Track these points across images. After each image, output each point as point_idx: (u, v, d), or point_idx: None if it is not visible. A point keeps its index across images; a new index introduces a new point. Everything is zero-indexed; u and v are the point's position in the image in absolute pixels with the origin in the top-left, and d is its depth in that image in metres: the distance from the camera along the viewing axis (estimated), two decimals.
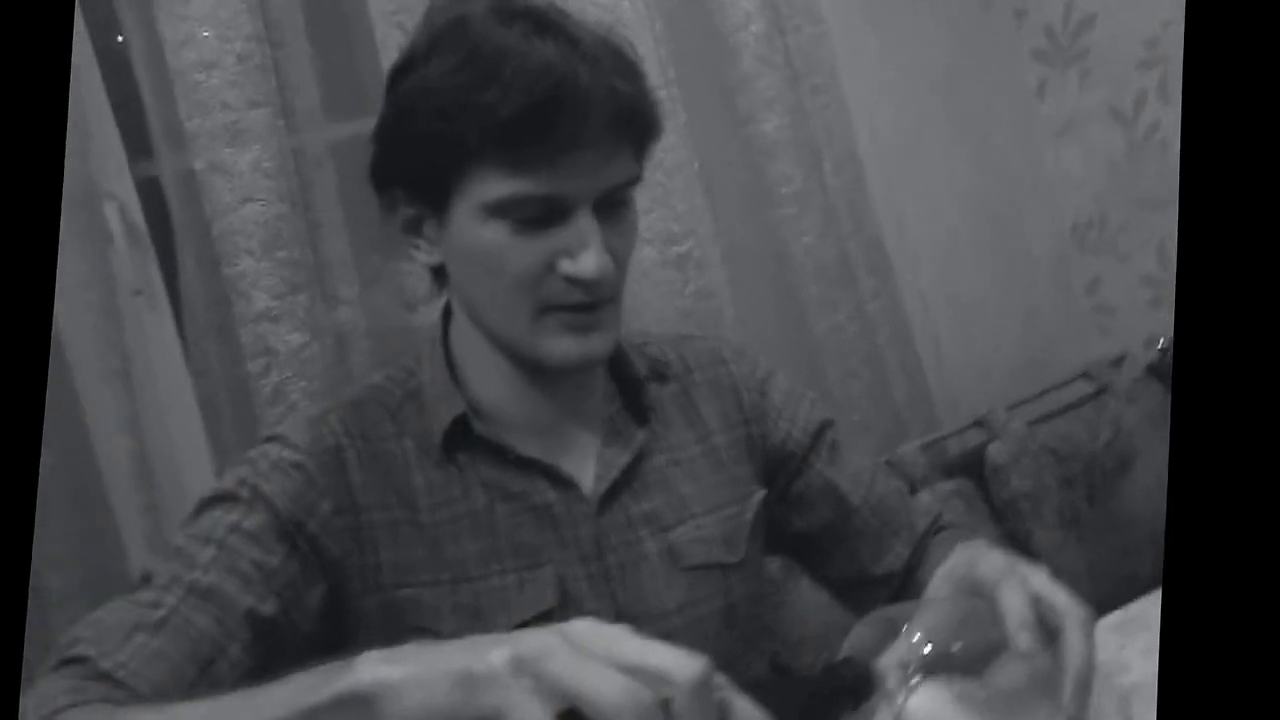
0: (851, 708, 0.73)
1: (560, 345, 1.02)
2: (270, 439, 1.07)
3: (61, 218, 1.29)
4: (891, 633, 0.84)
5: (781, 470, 1.22)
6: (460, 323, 1.09)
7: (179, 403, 1.50)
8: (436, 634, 1.01)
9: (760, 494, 1.19)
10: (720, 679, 0.60)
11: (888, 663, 0.81)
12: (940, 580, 1.04)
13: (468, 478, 1.06)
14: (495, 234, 0.98)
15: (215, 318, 1.53)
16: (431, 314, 1.14)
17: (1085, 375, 2.43)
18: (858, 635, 0.87)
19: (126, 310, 1.48)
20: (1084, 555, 2.16)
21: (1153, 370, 2.45)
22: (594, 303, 1.01)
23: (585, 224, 0.98)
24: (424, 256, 1.07)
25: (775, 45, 2.07)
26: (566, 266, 0.98)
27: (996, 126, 2.62)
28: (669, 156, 1.88)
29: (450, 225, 1.01)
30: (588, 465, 1.11)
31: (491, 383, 1.08)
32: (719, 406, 1.20)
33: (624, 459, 1.11)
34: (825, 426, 1.24)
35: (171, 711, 0.75)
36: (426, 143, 0.98)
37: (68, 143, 1.37)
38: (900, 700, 0.79)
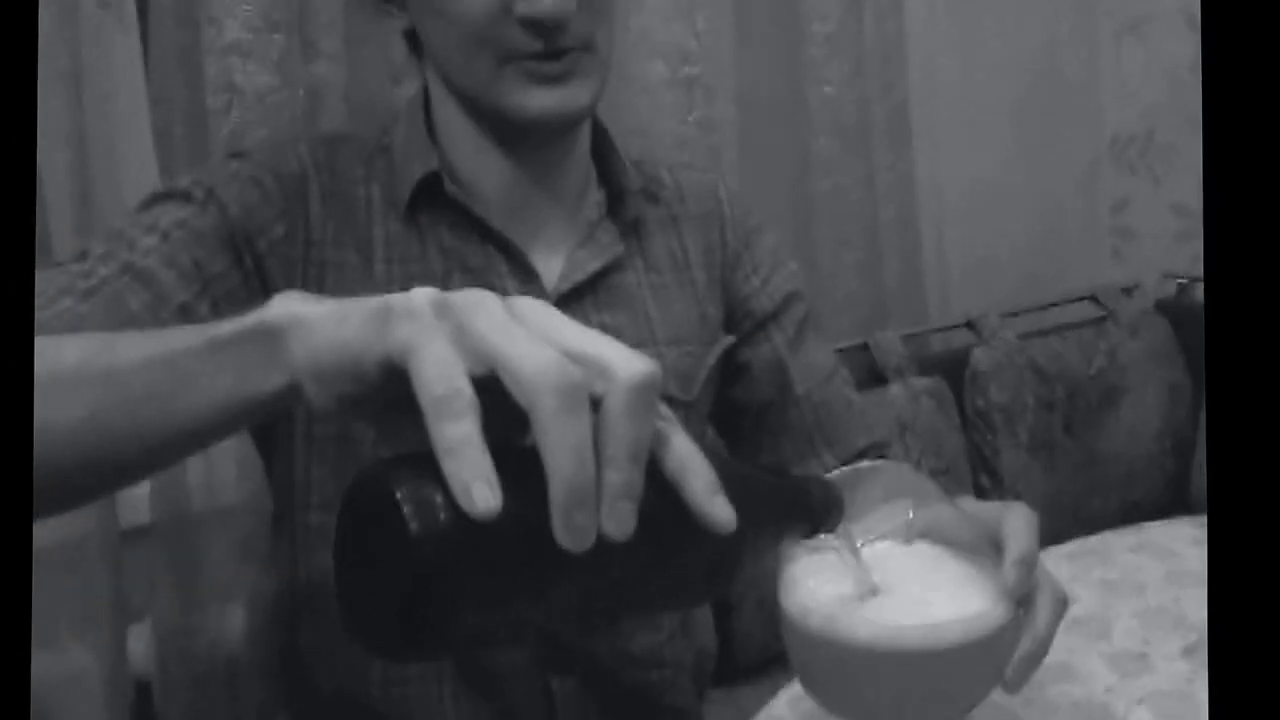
0: (806, 532, 0.72)
1: (529, 98, 1.03)
2: (233, 154, 1.11)
3: None
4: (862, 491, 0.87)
5: (736, 329, 1.26)
6: (435, 89, 1.13)
7: (132, 125, 1.52)
8: None
9: (728, 340, 1.24)
10: (667, 411, 0.57)
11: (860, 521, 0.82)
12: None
13: (428, 240, 1.11)
14: None
15: (182, 42, 1.53)
16: (415, 89, 1.17)
17: (1092, 298, 2.49)
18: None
19: (89, 18, 1.49)
20: (1048, 483, 2.26)
21: (1163, 306, 2.53)
22: (560, 50, 1.02)
23: None
24: (396, 21, 1.10)
25: None
26: (521, 7, 0.99)
27: (1059, 6, 2.62)
28: None
29: None
30: (555, 261, 1.15)
31: (465, 150, 1.12)
32: (704, 242, 1.25)
33: (595, 264, 1.15)
34: (793, 297, 1.28)
35: (81, 337, 0.75)
36: None
37: None
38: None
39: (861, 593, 0.81)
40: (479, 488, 0.50)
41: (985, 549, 0.87)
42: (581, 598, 0.56)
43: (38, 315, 0.88)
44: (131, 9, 1.54)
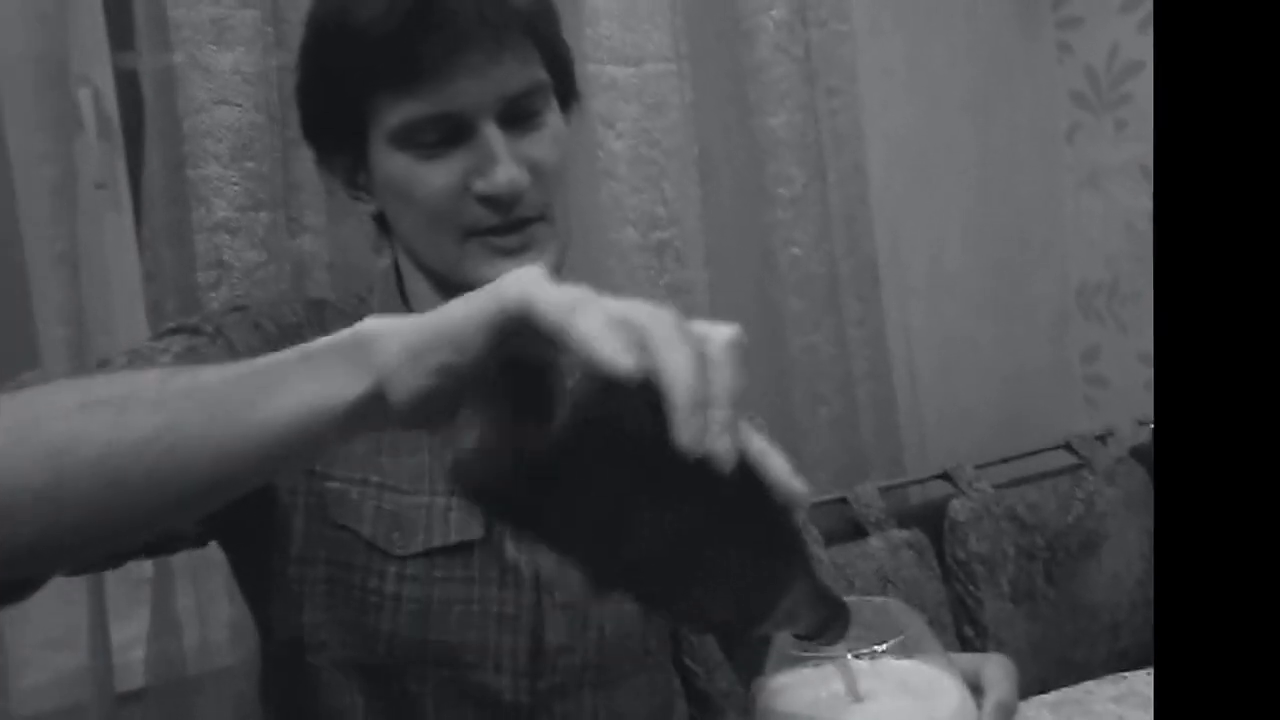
0: (812, 629, 0.77)
1: (492, 270, 1.09)
2: (235, 308, 1.20)
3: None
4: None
5: None
6: (405, 265, 1.22)
7: (127, 301, 1.60)
8: (356, 534, 1.13)
9: None
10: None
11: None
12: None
13: None
14: (403, 164, 1.10)
15: (172, 220, 1.63)
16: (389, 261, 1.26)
17: (1066, 446, 2.56)
18: None
19: (85, 200, 1.59)
20: (1031, 633, 2.31)
21: (1137, 453, 2.59)
22: (518, 222, 1.11)
23: (489, 137, 1.08)
24: (365, 207, 1.20)
25: (796, 36, 2.18)
26: (478, 185, 1.09)
27: (1018, 165, 2.74)
28: (668, 137, 2.01)
29: (371, 167, 1.13)
30: None
31: None
32: None
33: None
34: None
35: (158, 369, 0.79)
36: (328, 86, 1.12)
37: (46, 23, 1.49)
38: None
39: (850, 695, 0.86)
40: (622, 355, 0.58)
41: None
42: (667, 536, 0.62)
43: None
44: (126, 190, 1.64)
